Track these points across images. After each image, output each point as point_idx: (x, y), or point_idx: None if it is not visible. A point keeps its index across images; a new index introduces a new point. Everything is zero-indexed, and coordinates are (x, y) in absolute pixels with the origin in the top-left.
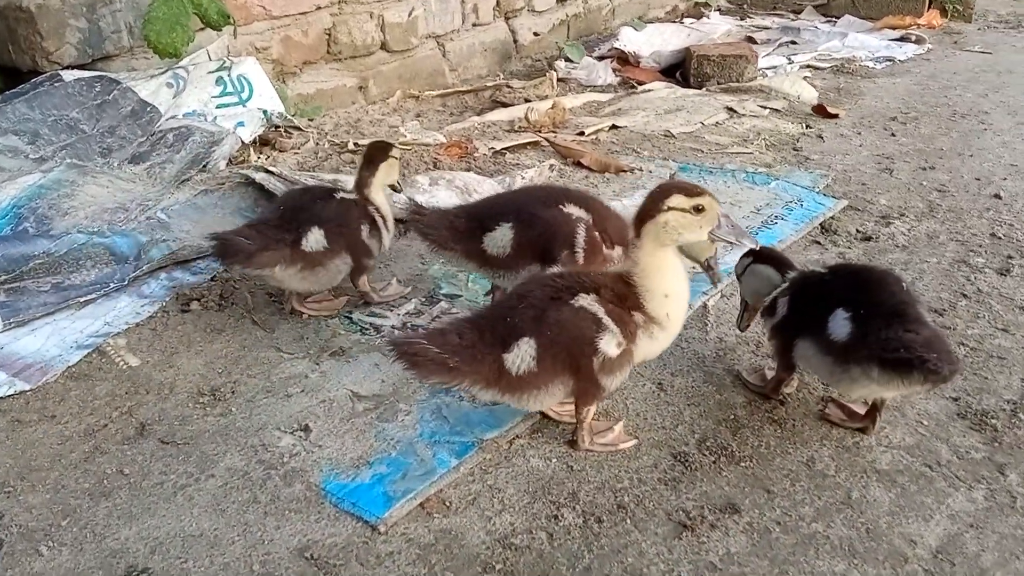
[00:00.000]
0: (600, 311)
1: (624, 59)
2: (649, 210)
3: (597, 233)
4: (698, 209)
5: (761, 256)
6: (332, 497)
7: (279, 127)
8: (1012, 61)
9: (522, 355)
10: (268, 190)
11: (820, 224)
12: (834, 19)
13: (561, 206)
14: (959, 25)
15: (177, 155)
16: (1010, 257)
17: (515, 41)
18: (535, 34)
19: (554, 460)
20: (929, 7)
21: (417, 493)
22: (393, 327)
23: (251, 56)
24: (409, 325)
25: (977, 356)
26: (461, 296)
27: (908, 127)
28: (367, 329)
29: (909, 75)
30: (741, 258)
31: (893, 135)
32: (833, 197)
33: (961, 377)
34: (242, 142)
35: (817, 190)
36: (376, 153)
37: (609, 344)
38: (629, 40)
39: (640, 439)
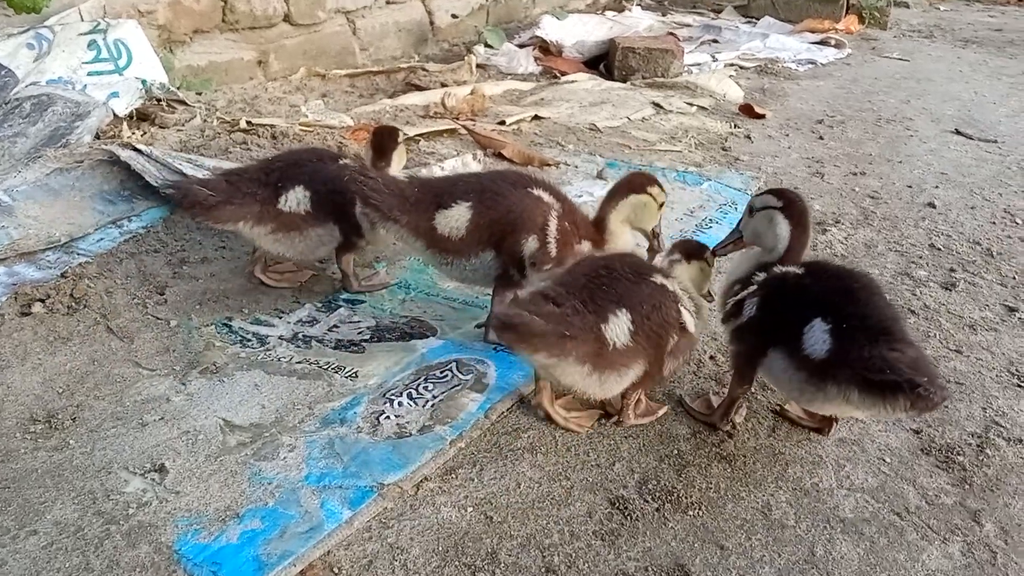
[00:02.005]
0: (678, 290)
1: (546, 48)
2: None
3: (568, 224)
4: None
5: (791, 212)
6: (188, 563)
7: (161, 100)
8: (930, 70)
9: (621, 327)
10: (137, 172)
11: None
12: (754, 20)
13: (529, 189)
14: (875, 32)
15: (33, 127)
16: (952, 270)
17: (432, 23)
18: (453, 16)
19: (470, 509)
20: (847, 13)
21: (298, 557)
22: (281, 337)
23: (132, 19)
24: (301, 336)
25: None
26: (364, 302)
27: (835, 131)
28: (249, 340)
29: (832, 78)
30: (765, 195)
31: (821, 138)
32: None
33: None
34: (114, 115)
35: (750, 193)
36: (387, 142)
37: (689, 319)
38: (551, 29)
39: (571, 480)
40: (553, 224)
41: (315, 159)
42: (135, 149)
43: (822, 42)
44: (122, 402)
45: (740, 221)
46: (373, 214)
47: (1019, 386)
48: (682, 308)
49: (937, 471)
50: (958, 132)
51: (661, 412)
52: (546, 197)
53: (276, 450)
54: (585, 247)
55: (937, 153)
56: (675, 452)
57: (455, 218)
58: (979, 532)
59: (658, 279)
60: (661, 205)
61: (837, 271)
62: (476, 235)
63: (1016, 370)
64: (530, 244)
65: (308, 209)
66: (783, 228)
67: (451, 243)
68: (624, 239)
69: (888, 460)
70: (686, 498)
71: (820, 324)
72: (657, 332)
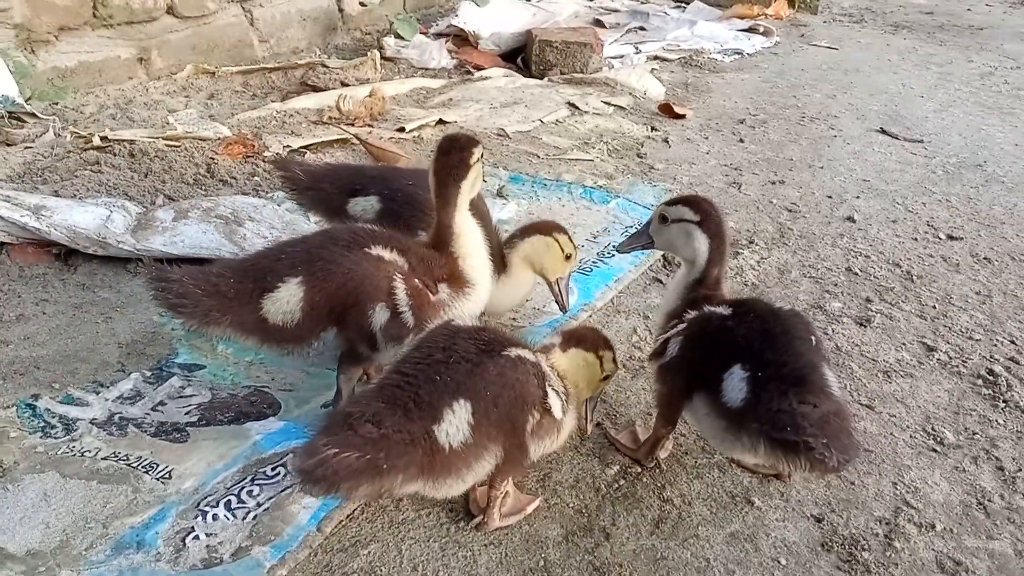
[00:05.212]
0: (543, 363)
1: (463, 39)
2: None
3: (418, 280)
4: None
5: (708, 226)
6: None
7: (4, 115)
8: (858, 59)
9: (459, 422)
10: None
11: (663, 255)
12: (683, 5)
13: (367, 249)
14: (806, 17)
15: None
16: (869, 300)
17: (340, 10)
18: (362, 4)
19: None
20: None
21: None
22: (93, 421)
23: None
24: (117, 418)
25: None
26: (204, 367)
27: (757, 131)
28: (53, 427)
29: (757, 70)
30: (679, 206)
31: (741, 141)
32: None
33: (824, 484)
34: None
35: None
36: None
37: (555, 403)
38: (470, 17)
39: None
40: (401, 288)
41: None
42: None
43: (750, 29)
44: None
45: (649, 224)
46: (188, 322)
47: (934, 451)
48: (548, 386)
49: (838, 574)
50: (883, 131)
51: (532, 507)
52: (387, 255)
53: None
54: (443, 293)
55: (860, 156)
56: (541, 564)
57: (285, 300)
58: None
59: (513, 352)
60: (568, 257)
61: (764, 312)
62: (313, 316)
63: (932, 428)
64: (379, 315)
65: None
66: (701, 243)
67: (287, 332)
68: (521, 279)
69: (783, 561)
70: None
71: (739, 371)
72: (510, 415)
